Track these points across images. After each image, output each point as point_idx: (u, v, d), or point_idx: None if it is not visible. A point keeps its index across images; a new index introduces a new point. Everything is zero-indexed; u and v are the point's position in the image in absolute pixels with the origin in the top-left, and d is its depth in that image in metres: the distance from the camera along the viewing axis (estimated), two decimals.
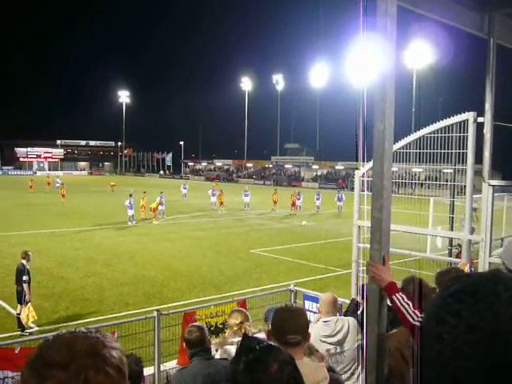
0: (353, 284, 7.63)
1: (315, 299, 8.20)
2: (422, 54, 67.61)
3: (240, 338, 4.56)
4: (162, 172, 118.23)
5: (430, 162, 6.87)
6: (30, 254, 12.39)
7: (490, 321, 0.81)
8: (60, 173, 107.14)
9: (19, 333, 11.35)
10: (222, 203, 39.72)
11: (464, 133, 6.31)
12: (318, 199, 41.42)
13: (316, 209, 40.89)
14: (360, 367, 4.63)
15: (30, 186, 53.66)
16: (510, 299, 0.82)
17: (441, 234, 10.10)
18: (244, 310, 5.27)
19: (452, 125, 6.53)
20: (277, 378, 1.65)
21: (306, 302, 8.74)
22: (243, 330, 4.83)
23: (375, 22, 2.56)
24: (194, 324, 5.43)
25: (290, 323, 2.81)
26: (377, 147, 2.41)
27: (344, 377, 4.52)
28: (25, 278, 11.85)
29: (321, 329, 4.69)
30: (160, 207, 33.81)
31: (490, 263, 5.72)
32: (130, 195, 31.72)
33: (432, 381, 0.86)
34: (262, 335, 4.71)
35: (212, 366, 4.66)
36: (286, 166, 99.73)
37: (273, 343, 1.91)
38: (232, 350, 4.40)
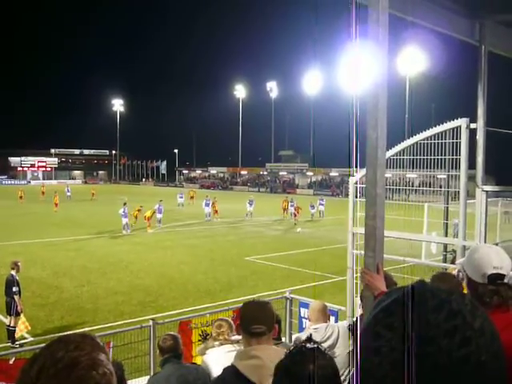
0: (348, 291, 7.62)
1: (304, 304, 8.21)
2: (415, 60, 68.00)
3: (219, 344, 4.63)
4: (143, 180, 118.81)
5: (423, 168, 6.90)
6: (20, 264, 12.21)
7: (421, 329, 0.83)
8: (54, 182, 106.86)
9: (10, 345, 11.21)
10: (216, 211, 39.60)
11: (457, 139, 6.34)
12: (321, 205, 41.56)
13: (319, 215, 41.10)
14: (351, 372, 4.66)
15: (20, 197, 53.06)
16: (437, 307, 0.86)
17: (435, 239, 10.13)
18: (228, 320, 5.31)
19: (445, 131, 6.56)
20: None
21: (301, 309, 8.75)
22: (222, 337, 4.90)
23: (367, 29, 2.58)
24: (169, 333, 5.66)
25: (255, 315, 2.91)
26: (370, 155, 2.42)
27: None
28: (14, 289, 11.65)
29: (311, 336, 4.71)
30: (158, 215, 33.80)
31: (464, 258, 5.73)
32: (125, 204, 31.61)
33: None
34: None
35: (183, 367, 4.93)
36: (281, 173, 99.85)
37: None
38: (209, 356, 4.44)
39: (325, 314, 4.95)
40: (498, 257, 2.41)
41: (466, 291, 3.99)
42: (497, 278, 2.38)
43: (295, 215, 38.06)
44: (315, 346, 1.89)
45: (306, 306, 8.56)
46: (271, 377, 2.14)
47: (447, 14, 5.27)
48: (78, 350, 1.18)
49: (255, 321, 2.88)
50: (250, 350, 2.75)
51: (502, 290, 2.37)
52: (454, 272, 6.23)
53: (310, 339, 2.00)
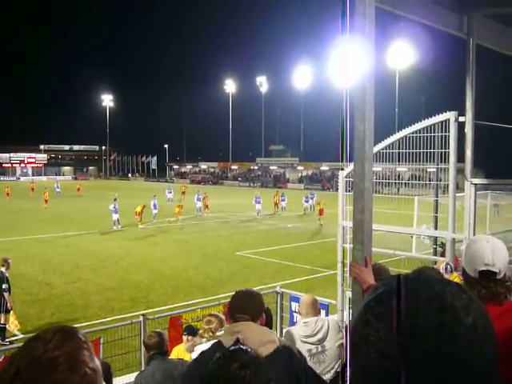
0: (339, 284, 7.64)
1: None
2: (404, 54, 68.22)
3: (206, 341, 4.66)
4: (135, 175, 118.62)
5: (413, 161, 6.91)
6: (10, 261, 12.07)
7: (409, 322, 0.81)
8: (44, 178, 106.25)
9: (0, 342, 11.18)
10: (207, 206, 39.61)
11: (446, 132, 6.35)
12: (312, 199, 41.52)
13: (308, 209, 41.09)
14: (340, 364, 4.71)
15: (7, 194, 52.72)
16: (429, 300, 0.83)
17: (425, 232, 10.17)
18: (219, 315, 5.35)
19: (434, 124, 6.57)
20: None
21: (292, 303, 8.76)
22: (207, 334, 4.94)
23: (354, 24, 2.57)
24: (154, 330, 5.76)
25: (241, 303, 3.10)
26: (357, 148, 2.41)
27: (327, 376, 4.57)
28: (4, 286, 11.53)
29: (301, 329, 4.77)
30: (154, 211, 33.78)
31: (461, 249, 5.79)
32: (115, 199, 31.46)
33: (360, 380, 0.88)
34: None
35: (168, 363, 5.04)
36: (271, 167, 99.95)
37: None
38: (196, 353, 4.49)
39: (315, 308, 4.97)
40: (492, 253, 2.40)
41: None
42: (488, 275, 2.38)
43: (320, 214, 33.10)
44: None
45: (296, 300, 8.58)
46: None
47: (435, 7, 5.27)
48: (57, 348, 1.11)
49: (240, 309, 3.03)
50: (234, 327, 2.93)
51: (491, 286, 2.38)
52: (442, 265, 6.27)
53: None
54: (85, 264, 19.68)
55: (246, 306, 3.06)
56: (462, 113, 6.36)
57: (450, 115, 6.25)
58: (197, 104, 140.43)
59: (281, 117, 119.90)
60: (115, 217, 30.74)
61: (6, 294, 11.51)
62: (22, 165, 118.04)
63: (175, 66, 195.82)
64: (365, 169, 2.33)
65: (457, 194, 6.61)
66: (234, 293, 3.29)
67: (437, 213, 8.05)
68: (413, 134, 6.63)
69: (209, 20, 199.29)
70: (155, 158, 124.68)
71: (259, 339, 2.80)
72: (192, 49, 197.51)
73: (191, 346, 5.18)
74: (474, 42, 5.85)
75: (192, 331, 5.72)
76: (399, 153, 7.01)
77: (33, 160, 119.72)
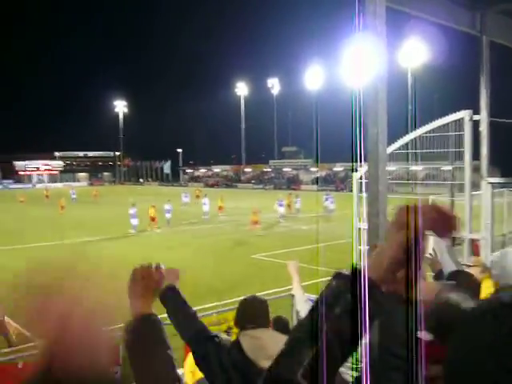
0: None
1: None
2: (417, 52, 67.76)
3: None
4: (149, 180, 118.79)
5: (429, 160, 6.85)
6: None
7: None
8: (60, 184, 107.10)
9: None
10: (221, 208, 39.80)
11: (460, 131, 6.28)
12: (327, 200, 41.11)
13: (324, 211, 40.41)
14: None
15: (21, 201, 53.55)
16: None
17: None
18: None
19: (448, 123, 6.50)
20: None
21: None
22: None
23: (365, 23, 2.54)
24: None
25: (250, 311, 3.06)
26: (371, 150, 2.38)
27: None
28: None
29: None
30: (167, 215, 33.95)
31: (491, 261, 5.67)
32: (133, 204, 31.74)
33: None
34: None
35: None
36: (285, 169, 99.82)
37: None
38: None
39: None
40: None
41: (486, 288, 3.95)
42: None
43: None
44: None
45: (312, 302, 8.51)
46: (269, 358, 2.24)
47: (448, 5, 5.22)
48: None
49: (250, 317, 2.99)
50: (254, 332, 2.87)
51: None
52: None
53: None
54: (101, 270, 19.74)
55: (256, 313, 3.03)
56: (477, 111, 6.29)
57: (465, 114, 6.17)
58: (209, 108, 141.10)
59: (293, 118, 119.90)
60: (134, 222, 30.99)
61: None
62: (38, 172, 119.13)
63: (186, 71, 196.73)
64: (379, 171, 2.30)
65: (473, 193, 6.52)
66: (241, 299, 3.27)
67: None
68: (427, 133, 6.56)
69: (219, 24, 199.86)
70: (169, 163, 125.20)
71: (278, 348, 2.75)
72: (202, 53, 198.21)
73: None
74: (488, 39, 5.78)
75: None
76: (414, 152, 6.94)
77: (48, 167, 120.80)
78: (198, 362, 2.99)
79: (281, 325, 5.41)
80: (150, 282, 1.84)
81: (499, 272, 2.45)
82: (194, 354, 3.04)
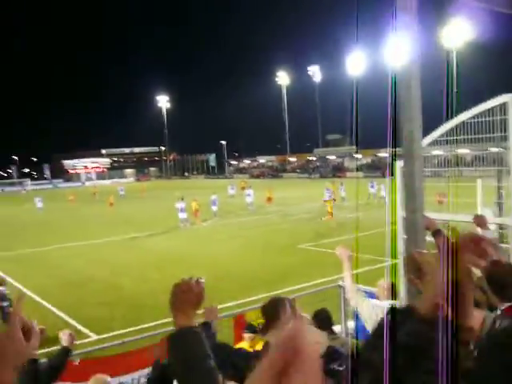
0: (401, 276, 7.51)
1: (366, 293, 8.13)
2: (461, 32, 65.94)
3: None
4: (194, 173, 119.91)
5: (475, 142, 6.73)
6: (5, 279, 13.40)
7: None
8: (108, 181, 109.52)
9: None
10: (270, 199, 40.08)
11: (505, 115, 6.14)
12: (372, 187, 40.73)
13: (370, 197, 39.78)
14: None
15: (71, 200, 55.14)
16: None
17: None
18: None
19: (492, 108, 6.36)
20: None
21: None
22: None
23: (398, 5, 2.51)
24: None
25: (273, 312, 3.11)
26: (406, 148, 2.40)
27: None
28: (5, 304, 12.21)
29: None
30: (213, 207, 34.42)
31: None
32: (182, 199, 32.12)
33: None
34: None
35: None
36: (329, 157, 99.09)
37: None
38: None
39: (394, 291, 4.97)
40: None
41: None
42: None
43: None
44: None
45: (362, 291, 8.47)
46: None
47: None
48: None
49: (271, 319, 3.05)
50: (278, 332, 2.87)
51: None
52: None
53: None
54: (151, 264, 20.20)
55: (277, 314, 3.06)
56: None
57: (508, 98, 6.03)
58: (251, 98, 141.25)
59: (336, 105, 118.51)
60: (182, 215, 31.44)
61: (9, 310, 12.08)
62: (86, 170, 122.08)
63: (227, 63, 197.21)
64: (415, 168, 2.32)
65: None
66: (264, 303, 3.34)
67: (500, 198, 7.80)
68: (470, 119, 6.45)
69: (259, 13, 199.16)
70: (213, 156, 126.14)
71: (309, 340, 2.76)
72: (243, 45, 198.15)
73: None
74: None
75: (252, 329, 5.79)
76: (457, 138, 6.83)
77: (96, 165, 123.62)
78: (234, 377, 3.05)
79: (321, 318, 5.41)
80: (190, 295, 1.93)
81: None
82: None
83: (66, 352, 4.29)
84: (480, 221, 4.18)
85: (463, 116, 6.73)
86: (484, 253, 1.27)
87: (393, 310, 1.24)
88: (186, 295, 1.93)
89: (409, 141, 2.37)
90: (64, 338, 4.32)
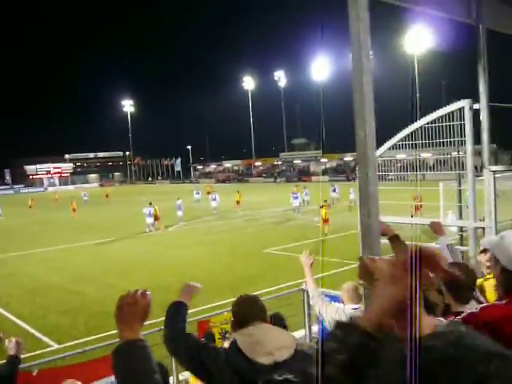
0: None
1: (329, 297, 8.17)
2: (419, 40, 67.42)
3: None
4: (149, 179, 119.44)
5: (436, 146, 6.86)
6: None
7: None
8: (71, 187, 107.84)
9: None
10: (238, 203, 40.22)
11: (462, 120, 6.28)
12: (333, 191, 41.29)
13: (333, 201, 40.18)
14: None
15: (30, 206, 53.79)
16: None
17: (447, 223, 10.05)
18: None
19: (451, 113, 6.50)
20: None
21: None
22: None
23: (350, 14, 2.51)
24: None
25: (245, 310, 3.07)
26: (360, 154, 2.41)
27: None
28: None
29: (352, 315, 4.74)
30: (179, 212, 34.35)
31: (490, 243, 5.67)
32: (150, 203, 32.13)
33: None
34: None
35: None
36: (295, 161, 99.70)
37: None
38: None
39: (359, 295, 4.96)
40: None
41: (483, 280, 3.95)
42: None
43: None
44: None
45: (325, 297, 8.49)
46: (267, 353, 2.43)
47: None
48: None
49: (246, 316, 2.99)
50: (248, 329, 2.85)
51: None
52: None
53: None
54: (115, 271, 19.94)
55: (248, 312, 3.01)
56: (477, 99, 6.27)
57: (465, 103, 6.17)
58: (217, 103, 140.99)
59: (301, 110, 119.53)
60: (149, 220, 31.36)
61: None
62: (49, 175, 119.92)
63: (193, 67, 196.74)
64: (368, 174, 2.33)
65: (481, 178, 6.51)
66: (235, 299, 3.28)
67: (460, 201, 7.98)
68: (429, 124, 6.57)
69: (224, 19, 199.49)
70: (179, 160, 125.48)
71: (277, 342, 2.71)
72: (208, 49, 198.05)
73: None
74: (484, 28, 5.76)
75: (211, 338, 5.74)
76: (422, 140, 6.95)
77: (59, 170, 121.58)
78: (196, 373, 3.02)
79: (277, 322, 5.38)
80: (135, 308, 1.89)
81: (503, 257, 2.49)
82: (189, 365, 3.07)
83: (13, 361, 4.15)
84: (436, 227, 4.24)
85: (423, 121, 6.86)
86: (436, 267, 1.30)
87: (337, 325, 1.25)
88: (131, 308, 1.90)
89: (362, 145, 2.39)
90: (10, 346, 4.18)
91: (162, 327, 3.30)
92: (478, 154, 6.32)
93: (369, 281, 1.86)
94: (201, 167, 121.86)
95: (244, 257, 21.29)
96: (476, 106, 6.05)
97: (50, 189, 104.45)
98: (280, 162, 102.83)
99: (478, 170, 6.43)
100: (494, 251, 2.55)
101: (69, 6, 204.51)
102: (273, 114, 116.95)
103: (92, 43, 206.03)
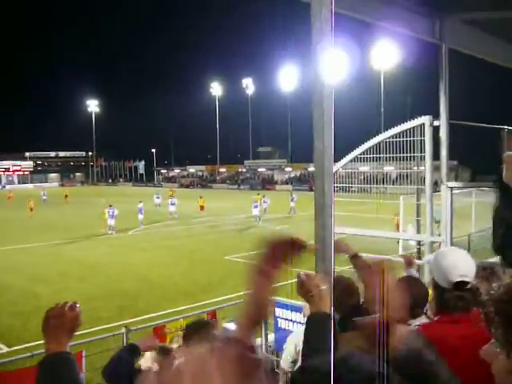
0: None
1: (286, 306, 8.17)
2: (385, 56, 68.69)
3: None
4: (110, 180, 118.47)
5: (399, 160, 6.96)
6: None
7: None
8: (30, 185, 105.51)
9: None
10: (202, 208, 40.21)
11: (422, 136, 6.40)
12: (292, 200, 41.49)
13: (290, 211, 40.75)
14: None
15: None
16: None
17: (405, 236, 10.23)
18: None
19: (412, 128, 6.61)
20: None
21: (276, 309, 8.71)
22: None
23: (314, 28, 2.53)
24: None
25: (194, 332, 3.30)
26: (317, 166, 2.42)
27: None
28: None
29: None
30: (140, 216, 34.09)
31: (428, 260, 5.81)
32: (110, 205, 31.88)
33: None
34: None
35: None
36: (260, 169, 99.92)
37: None
38: None
39: None
40: (465, 264, 2.47)
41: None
42: (462, 285, 2.44)
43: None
44: None
45: (281, 306, 8.53)
46: None
47: (407, 14, 5.31)
48: None
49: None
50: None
51: (466, 296, 2.44)
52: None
53: None
54: (72, 273, 19.57)
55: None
56: (437, 116, 6.40)
57: (425, 120, 6.29)
58: (184, 108, 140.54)
59: (268, 118, 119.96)
60: (111, 222, 31.11)
61: None
62: (8, 173, 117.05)
63: (160, 71, 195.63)
64: (325, 186, 2.34)
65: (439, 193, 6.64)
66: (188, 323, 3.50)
67: (418, 215, 8.11)
68: (390, 138, 6.67)
69: (193, 24, 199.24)
70: (143, 163, 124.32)
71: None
72: (177, 53, 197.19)
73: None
74: (447, 47, 5.89)
75: (164, 352, 5.65)
76: (384, 154, 7.04)
77: (18, 168, 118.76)
78: None
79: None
80: (63, 321, 1.88)
81: (435, 272, 2.54)
82: None
83: None
84: (408, 260, 4.37)
85: (384, 135, 6.96)
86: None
87: None
88: (58, 321, 1.88)
89: (320, 158, 2.40)
90: None
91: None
92: (437, 169, 6.46)
93: (305, 297, 1.89)
94: (165, 171, 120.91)
95: (204, 263, 21.17)
96: (436, 123, 6.17)
97: (8, 187, 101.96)
98: (244, 170, 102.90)
99: (438, 185, 6.57)
100: (430, 267, 2.60)
101: (33, 2, 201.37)
102: (239, 121, 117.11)
103: (57, 41, 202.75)
